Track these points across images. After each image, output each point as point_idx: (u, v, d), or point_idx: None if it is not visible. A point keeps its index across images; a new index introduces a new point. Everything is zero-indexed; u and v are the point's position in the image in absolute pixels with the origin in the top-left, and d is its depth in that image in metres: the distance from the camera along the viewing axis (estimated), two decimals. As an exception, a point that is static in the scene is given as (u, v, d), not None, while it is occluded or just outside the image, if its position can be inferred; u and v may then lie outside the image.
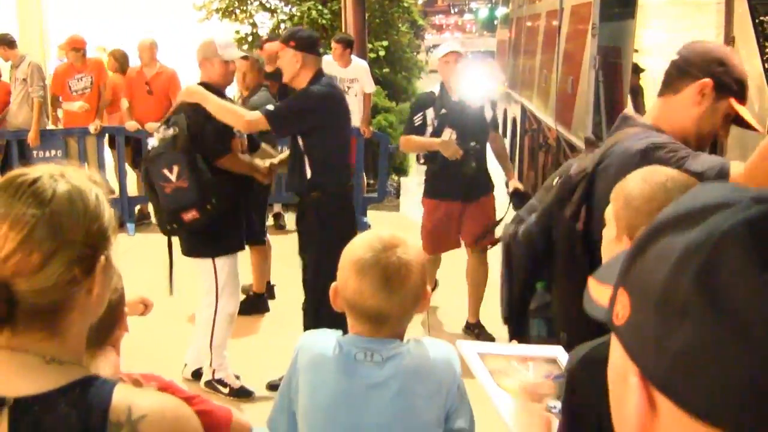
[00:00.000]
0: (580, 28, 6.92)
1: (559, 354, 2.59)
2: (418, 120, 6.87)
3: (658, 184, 2.17)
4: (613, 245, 2.22)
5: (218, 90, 5.56)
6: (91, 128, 10.25)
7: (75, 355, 1.64)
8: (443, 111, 6.79)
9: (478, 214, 6.95)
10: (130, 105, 10.56)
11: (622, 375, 0.87)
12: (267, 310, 7.56)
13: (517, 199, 6.77)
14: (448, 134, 6.66)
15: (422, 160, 7.05)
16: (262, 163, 5.73)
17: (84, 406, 1.53)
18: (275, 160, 5.94)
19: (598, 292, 1.00)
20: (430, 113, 6.84)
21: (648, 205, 2.12)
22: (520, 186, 7.00)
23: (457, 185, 6.78)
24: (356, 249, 2.39)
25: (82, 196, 1.61)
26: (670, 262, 0.80)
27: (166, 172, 5.14)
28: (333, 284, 2.44)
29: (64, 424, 1.51)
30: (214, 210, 5.24)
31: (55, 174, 1.61)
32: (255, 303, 7.53)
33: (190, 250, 5.61)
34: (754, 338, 0.73)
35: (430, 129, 6.82)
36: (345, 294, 2.38)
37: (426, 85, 29.20)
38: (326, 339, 2.49)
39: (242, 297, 7.49)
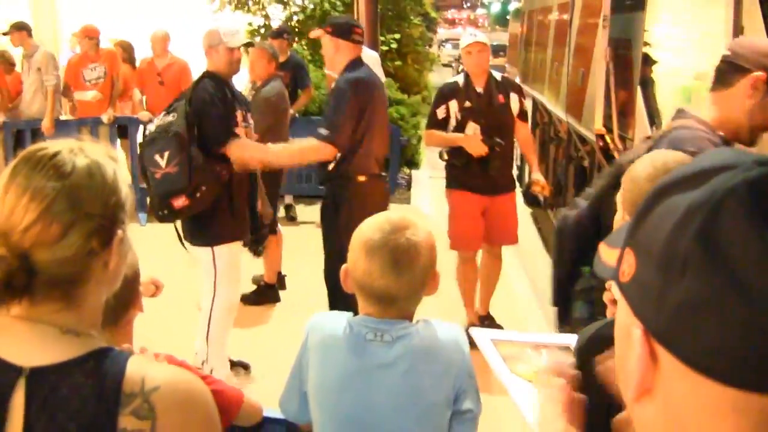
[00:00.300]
0: (591, 20, 6.92)
1: (573, 342, 2.62)
2: (441, 113, 6.54)
3: (662, 163, 2.20)
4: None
5: (224, 79, 5.51)
6: (105, 118, 10.27)
7: (91, 326, 1.67)
8: (467, 104, 6.47)
9: (503, 210, 6.76)
10: (142, 96, 10.63)
11: (626, 331, 0.91)
12: (277, 300, 7.57)
13: (533, 193, 6.92)
14: (472, 129, 6.41)
15: (446, 156, 6.62)
16: (275, 147, 5.71)
17: (99, 376, 1.56)
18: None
19: (608, 255, 1.05)
20: (453, 105, 6.49)
21: (649, 185, 2.14)
22: (541, 179, 6.95)
23: (481, 180, 6.49)
24: (366, 230, 2.43)
25: (101, 170, 1.65)
26: (673, 220, 0.84)
27: (157, 157, 5.06)
28: (343, 266, 2.48)
29: (79, 393, 1.54)
30: (204, 197, 5.15)
31: (75, 148, 1.66)
32: (265, 293, 7.55)
33: (188, 237, 5.52)
34: (752, 291, 0.77)
35: (453, 123, 6.52)
36: (355, 275, 2.42)
37: (437, 78, 29.08)
38: (336, 319, 2.54)
39: (253, 287, 7.55)
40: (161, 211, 5.24)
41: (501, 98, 6.53)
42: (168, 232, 5.46)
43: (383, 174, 5.83)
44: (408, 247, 2.37)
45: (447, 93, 6.64)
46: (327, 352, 2.50)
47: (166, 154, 5.05)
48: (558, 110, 9.04)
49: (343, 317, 2.53)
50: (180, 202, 5.10)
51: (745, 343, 0.77)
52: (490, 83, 6.55)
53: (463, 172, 6.55)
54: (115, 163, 1.72)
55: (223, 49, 5.47)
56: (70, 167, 1.61)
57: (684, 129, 3.03)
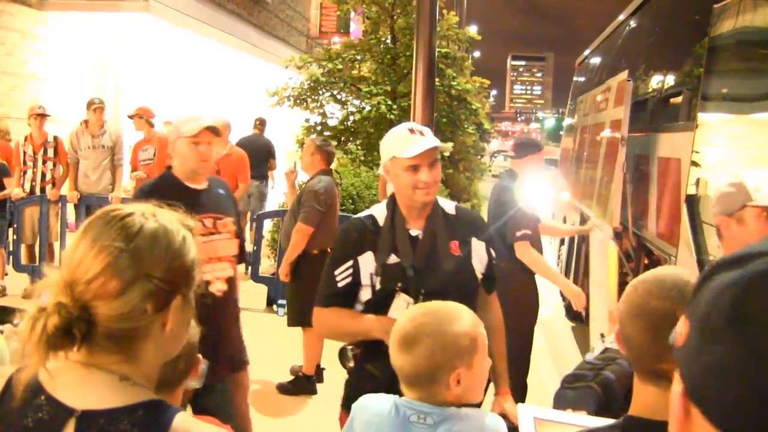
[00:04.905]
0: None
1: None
2: (343, 275, 3.69)
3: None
4: None
5: None
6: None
7: (146, 380, 1.75)
8: (392, 259, 3.63)
9: None
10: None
11: (674, 391, 1.03)
12: (314, 392, 7.57)
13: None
14: (404, 304, 3.51)
15: (350, 359, 3.69)
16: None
17: (145, 426, 1.63)
18: None
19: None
20: (366, 263, 3.66)
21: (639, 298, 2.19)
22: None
23: None
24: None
25: (168, 235, 1.75)
26: (713, 294, 0.96)
27: None
28: None
29: None
30: None
31: (148, 212, 1.77)
32: (303, 384, 7.57)
33: None
34: (765, 359, 0.86)
35: (368, 294, 3.65)
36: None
37: (487, 188, 29.09)
38: (383, 401, 2.65)
39: (291, 377, 7.59)
40: None
41: (454, 247, 3.73)
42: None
43: None
44: (414, 332, 2.55)
45: (354, 240, 3.74)
46: (372, 431, 2.60)
47: None
48: (605, 225, 9.09)
49: (390, 399, 2.63)
50: None
51: (761, 409, 0.86)
52: (435, 221, 3.76)
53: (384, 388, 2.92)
54: (186, 230, 1.81)
55: None
56: (137, 229, 1.71)
57: None
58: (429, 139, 3.62)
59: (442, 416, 2.52)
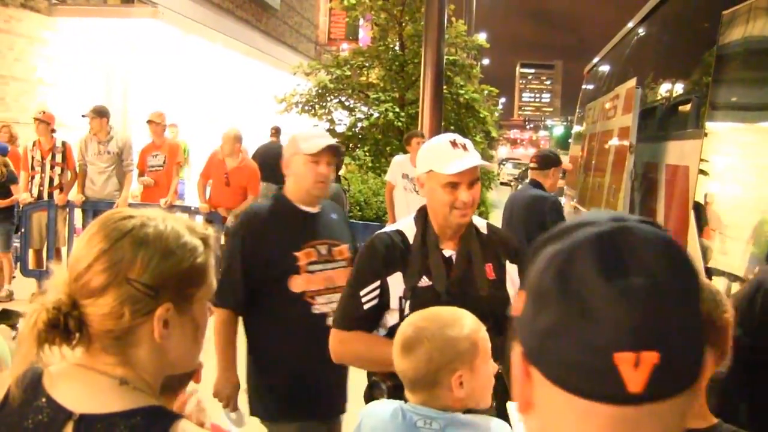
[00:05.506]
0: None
1: None
2: (369, 296, 3.40)
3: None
4: None
5: None
6: (162, 202, 10.56)
7: (146, 386, 1.71)
8: (424, 282, 3.37)
9: None
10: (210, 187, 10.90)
11: (515, 358, 1.10)
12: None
13: None
14: None
15: (382, 385, 3.28)
16: None
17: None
18: None
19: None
20: (395, 284, 3.39)
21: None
22: None
23: None
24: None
25: (160, 239, 1.69)
26: (542, 265, 1.05)
27: None
28: None
29: None
30: None
31: (152, 217, 1.73)
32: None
33: None
34: (595, 319, 0.96)
35: (395, 319, 3.34)
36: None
37: (496, 196, 28.93)
38: (389, 407, 2.64)
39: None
40: None
41: (489, 270, 3.49)
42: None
43: None
44: (415, 336, 2.55)
45: (382, 258, 3.44)
46: None
47: None
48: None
49: (396, 404, 2.63)
50: None
51: (589, 359, 0.96)
52: (469, 241, 3.50)
53: None
54: (195, 238, 1.75)
55: None
56: (126, 231, 1.67)
57: None
58: (472, 156, 3.32)
59: (447, 421, 2.52)
